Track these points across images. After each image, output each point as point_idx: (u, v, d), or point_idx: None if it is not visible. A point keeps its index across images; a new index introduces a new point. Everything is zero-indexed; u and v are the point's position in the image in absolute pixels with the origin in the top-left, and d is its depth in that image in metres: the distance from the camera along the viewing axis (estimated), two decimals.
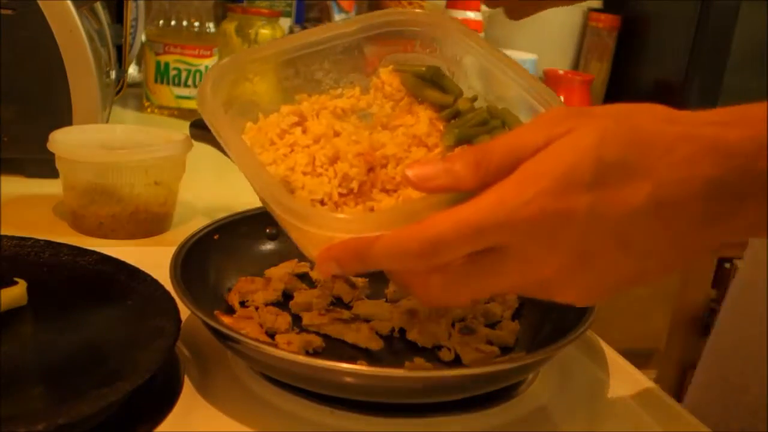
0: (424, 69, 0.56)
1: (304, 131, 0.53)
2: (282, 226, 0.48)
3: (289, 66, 0.57)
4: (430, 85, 0.56)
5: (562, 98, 0.52)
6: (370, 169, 0.50)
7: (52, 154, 0.74)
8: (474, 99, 0.55)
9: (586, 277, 0.41)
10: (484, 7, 1.45)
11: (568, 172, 0.38)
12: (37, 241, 0.60)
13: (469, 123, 0.53)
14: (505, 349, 0.56)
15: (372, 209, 0.49)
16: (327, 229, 0.43)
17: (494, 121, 0.52)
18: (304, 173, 0.50)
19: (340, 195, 0.49)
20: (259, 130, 0.54)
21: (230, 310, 0.57)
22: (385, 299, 0.61)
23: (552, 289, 0.42)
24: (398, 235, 0.40)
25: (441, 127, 0.54)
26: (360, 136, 0.51)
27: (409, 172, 0.41)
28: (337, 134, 0.53)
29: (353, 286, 0.61)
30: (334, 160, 0.50)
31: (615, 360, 0.60)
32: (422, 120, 0.54)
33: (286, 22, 1.41)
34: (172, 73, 1.25)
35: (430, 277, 0.42)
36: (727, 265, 1.39)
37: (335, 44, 0.57)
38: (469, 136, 0.51)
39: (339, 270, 0.43)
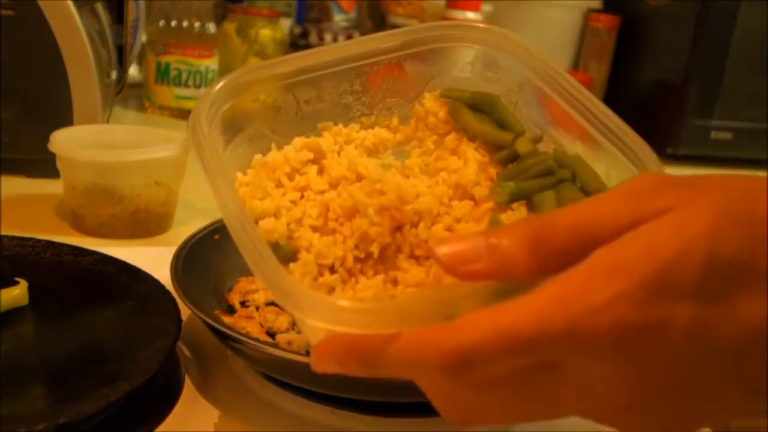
0: (478, 96, 0.46)
1: (320, 171, 0.44)
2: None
3: (311, 86, 0.47)
4: (485, 118, 0.45)
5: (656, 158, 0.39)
6: (397, 228, 0.40)
7: (53, 154, 0.74)
8: (538, 140, 0.45)
9: (671, 415, 0.31)
10: (484, 7, 1.45)
11: (666, 270, 0.28)
12: (38, 241, 0.60)
13: (528, 172, 0.42)
14: None
15: (395, 282, 0.39)
16: (324, 321, 0.33)
17: (562, 172, 0.42)
18: (314, 228, 0.41)
19: (356, 260, 0.40)
20: (265, 166, 0.44)
21: (231, 310, 0.58)
22: None
23: (618, 424, 0.32)
24: (418, 339, 0.31)
25: (493, 175, 0.43)
26: (387, 183, 0.40)
27: (440, 251, 0.31)
28: (359, 178, 0.42)
29: None
30: (351, 213, 0.40)
31: None
32: (470, 163, 0.43)
33: (286, 23, 1.41)
34: (173, 73, 1.25)
35: (459, 392, 0.32)
36: None
37: (370, 62, 0.46)
38: (527, 190, 0.41)
39: (339, 370, 0.34)
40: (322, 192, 0.42)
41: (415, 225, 0.40)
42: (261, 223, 0.41)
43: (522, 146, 0.44)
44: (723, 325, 0.28)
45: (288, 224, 0.41)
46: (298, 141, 0.45)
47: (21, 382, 0.47)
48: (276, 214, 0.42)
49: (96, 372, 0.47)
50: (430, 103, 0.46)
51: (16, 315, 0.53)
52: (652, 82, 1.37)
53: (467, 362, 0.29)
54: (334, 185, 0.43)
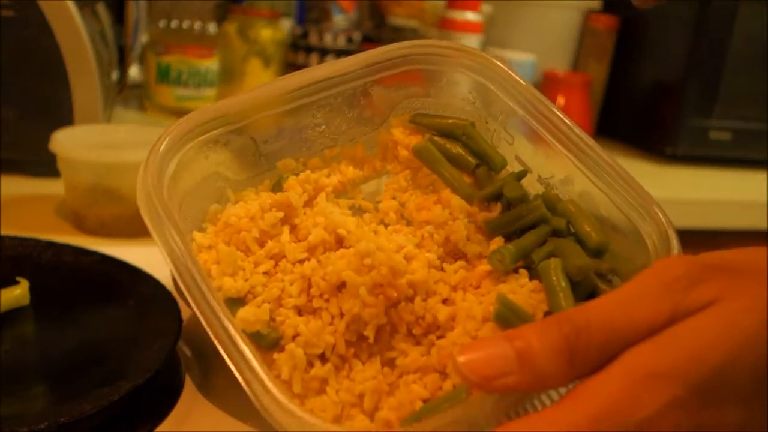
0: (450, 126, 0.41)
1: (292, 229, 0.40)
2: None
3: (270, 125, 0.43)
4: (458, 147, 0.41)
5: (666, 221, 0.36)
6: (392, 305, 0.36)
7: (53, 154, 0.74)
8: (522, 175, 0.41)
9: None
10: (484, 7, 1.45)
11: (719, 375, 0.25)
12: (39, 241, 0.60)
13: (520, 222, 0.38)
14: None
15: (392, 364, 0.36)
16: None
17: (556, 221, 0.38)
18: (297, 309, 0.37)
19: (348, 344, 0.36)
20: (228, 227, 0.40)
21: None
22: None
23: None
24: None
25: (479, 220, 0.40)
26: (378, 257, 0.35)
27: (462, 359, 0.28)
28: (339, 239, 0.39)
29: None
30: (337, 286, 0.36)
31: None
32: (458, 220, 0.39)
33: (286, 23, 1.41)
34: (174, 73, 1.26)
35: None
36: None
37: (332, 93, 0.42)
38: (526, 249, 0.38)
39: None
40: (301, 261, 0.38)
41: (411, 299, 0.36)
42: (240, 313, 0.37)
43: (510, 191, 0.39)
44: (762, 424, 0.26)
45: (265, 302, 0.37)
46: (265, 197, 0.41)
47: (22, 382, 0.47)
48: (250, 293, 0.37)
49: (96, 372, 0.47)
50: (399, 134, 0.42)
51: (17, 315, 0.54)
52: (651, 83, 1.37)
53: None
54: (312, 251, 0.38)
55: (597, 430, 0.25)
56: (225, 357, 0.34)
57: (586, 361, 0.27)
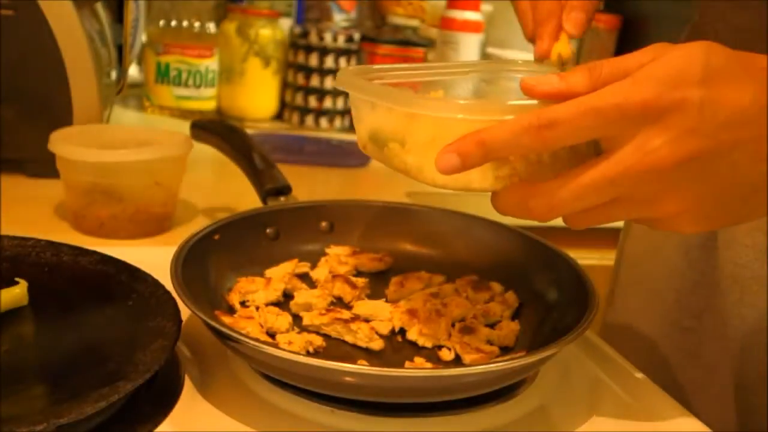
0: None
1: None
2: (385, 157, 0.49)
3: None
4: None
5: None
6: None
7: (53, 154, 0.74)
8: None
9: (699, 176, 0.42)
10: (484, 7, 1.45)
11: (680, 70, 0.41)
12: (39, 241, 0.60)
13: None
14: (505, 349, 0.56)
15: None
16: (449, 111, 0.44)
17: None
18: None
19: None
20: None
21: (231, 310, 0.58)
22: (385, 299, 0.62)
23: (664, 185, 0.42)
24: (519, 116, 0.42)
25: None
26: None
27: (525, 79, 0.44)
28: None
29: (353, 286, 0.61)
30: None
31: (615, 360, 0.60)
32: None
33: (286, 23, 1.41)
34: (173, 73, 1.25)
35: (548, 184, 0.43)
36: None
37: None
38: None
39: (459, 162, 0.43)
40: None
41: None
42: None
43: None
44: (723, 103, 0.40)
45: None
46: None
47: (21, 382, 0.47)
48: None
49: (96, 372, 0.47)
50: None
51: (17, 315, 0.53)
52: None
53: (555, 122, 0.41)
54: None
55: (606, 98, 0.41)
56: None
57: (602, 75, 0.42)
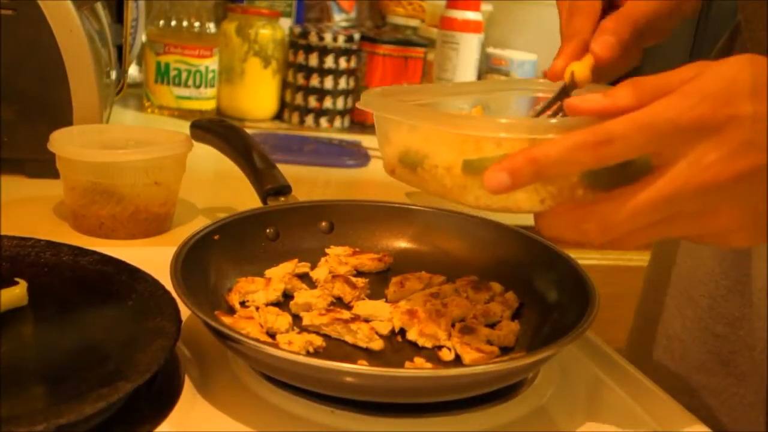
0: None
1: None
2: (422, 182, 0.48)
3: None
4: None
5: None
6: None
7: (53, 154, 0.74)
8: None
9: (753, 190, 0.41)
10: (484, 7, 1.45)
11: (729, 84, 0.41)
12: (38, 241, 0.60)
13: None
14: (505, 349, 0.56)
15: None
16: (495, 130, 0.44)
17: None
18: None
19: None
20: None
21: (231, 311, 0.58)
22: (385, 299, 0.62)
23: (718, 200, 0.42)
24: (571, 132, 0.42)
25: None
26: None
27: (571, 98, 0.44)
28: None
29: (353, 286, 0.61)
30: None
31: (615, 360, 0.60)
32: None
33: (286, 23, 1.41)
34: (173, 73, 1.25)
35: (600, 206, 0.43)
36: None
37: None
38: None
39: (509, 181, 0.42)
40: None
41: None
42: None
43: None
44: None
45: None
46: None
47: (21, 383, 0.47)
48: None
49: (96, 372, 0.47)
50: None
51: (16, 315, 0.53)
52: None
53: (610, 138, 0.41)
54: None
55: (660, 113, 0.41)
56: None
57: (646, 89, 0.42)
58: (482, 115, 0.53)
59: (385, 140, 0.52)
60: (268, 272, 0.62)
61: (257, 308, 0.57)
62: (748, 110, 0.40)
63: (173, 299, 0.52)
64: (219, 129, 0.80)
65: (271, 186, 0.71)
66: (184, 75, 1.25)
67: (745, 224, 0.43)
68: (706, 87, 0.41)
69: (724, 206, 0.42)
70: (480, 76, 1.50)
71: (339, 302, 0.61)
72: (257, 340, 0.48)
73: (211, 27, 1.29)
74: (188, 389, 0.50)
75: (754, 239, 0.44)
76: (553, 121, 0.45)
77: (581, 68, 0.52)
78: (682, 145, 0.41)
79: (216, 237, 0.61)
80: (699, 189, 0.41)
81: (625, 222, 0.42)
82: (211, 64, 1.27)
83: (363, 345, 0.55)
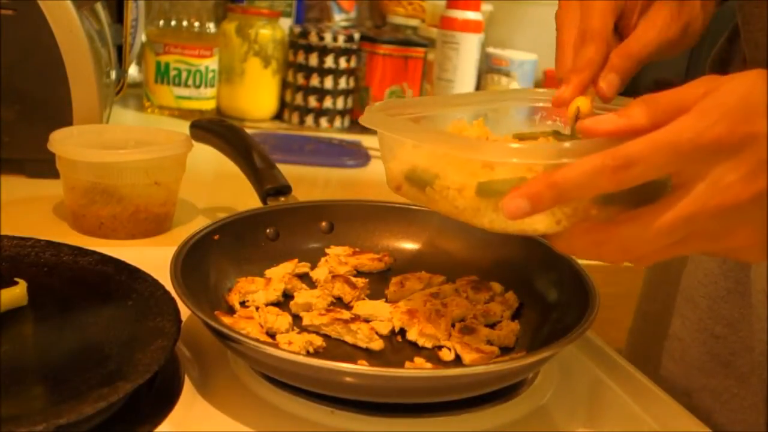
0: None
1: None
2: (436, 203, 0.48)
3: None
4: None
5: None
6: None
7: (53, 154, 0.74)
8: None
9: None
10: (484, 7, 1.45)
11: (744, 100, 0.40)
12: (38, 241, 0.60)
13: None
14: (505, 350, 0.56)
15: None
16: (502, 156, 0.44)
17: None
18: None
19: None
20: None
21: (230, 311, 0.58)
22: (385, 299, 0.62)
23: (737, 219, 0.42)
24: (590, 156, 0.41)
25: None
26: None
27: (583, 121, 0.43)
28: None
29: (353, 286, 0.61)
30: None
31: (615, 360, 0.60)
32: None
33: (286, 22, 1.41)
34: (173, 73, 1.25)
35: (620, 228, 0.42)
36: None
37: None
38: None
39: (529, 206, 0.42)
40: None
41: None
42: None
43: None
44: None
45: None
46: None
47: (21, 382, 0.46)
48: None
49: (96, 372, 0.47)
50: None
51: (16, 315, 0.53)
52: (651, 82, 1.37)
53: (630, 161, 0.40)
54: None
55: (679, 134, 0.40)
56: None
57: (659, 108, 0.42)
58: (496, 140, 0.52)
59: (390, 156, 0.52)
60: (268, 272, 0.62)
61: (257, 308, 0.57)
62: (763, 128, 0.40)
63: (173, 299, 0.52)
64: (219, 129, 0.80)
65: (271, 186, 0.71)
66: (184, 75, 1.25)
67: (760, 240, 0.43)
68: (723, 105, 0.40)
69: (741, 225, 0.42)
70: (480, 76, 1.50)
71: (339, 302, 0.61)
72: (257, 340, 0.48)
73: (211, 27, 1.29)
74: (188, 389, 0.50)
75: None
76: (567, 145, 0.43)
77: (586, 103, 0.52)
78: (701, 165, 0.41)
79: (216, 237, 0.61)
80: (718, 210, 0.41)
81: (645, 244, 0.42)
82: (211, 64, 1.27)
83: (363, 345, 0.55)
